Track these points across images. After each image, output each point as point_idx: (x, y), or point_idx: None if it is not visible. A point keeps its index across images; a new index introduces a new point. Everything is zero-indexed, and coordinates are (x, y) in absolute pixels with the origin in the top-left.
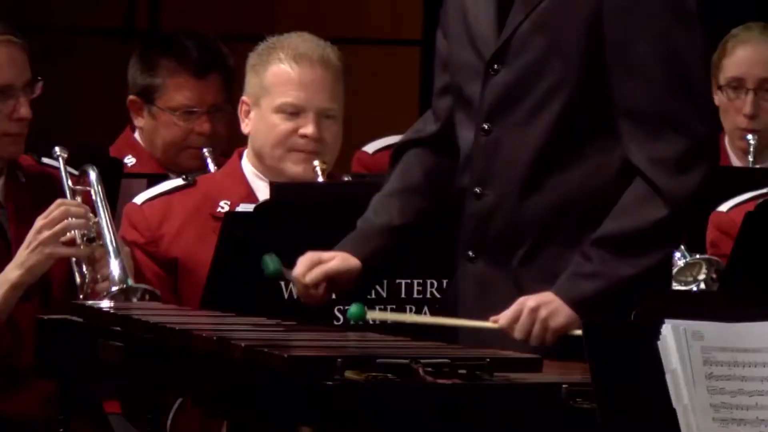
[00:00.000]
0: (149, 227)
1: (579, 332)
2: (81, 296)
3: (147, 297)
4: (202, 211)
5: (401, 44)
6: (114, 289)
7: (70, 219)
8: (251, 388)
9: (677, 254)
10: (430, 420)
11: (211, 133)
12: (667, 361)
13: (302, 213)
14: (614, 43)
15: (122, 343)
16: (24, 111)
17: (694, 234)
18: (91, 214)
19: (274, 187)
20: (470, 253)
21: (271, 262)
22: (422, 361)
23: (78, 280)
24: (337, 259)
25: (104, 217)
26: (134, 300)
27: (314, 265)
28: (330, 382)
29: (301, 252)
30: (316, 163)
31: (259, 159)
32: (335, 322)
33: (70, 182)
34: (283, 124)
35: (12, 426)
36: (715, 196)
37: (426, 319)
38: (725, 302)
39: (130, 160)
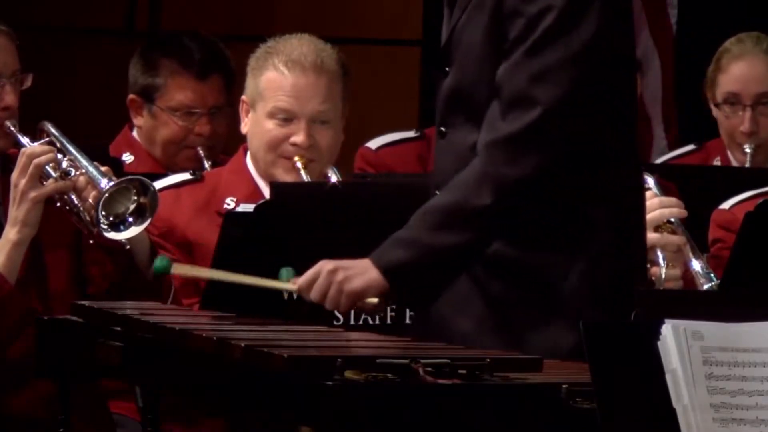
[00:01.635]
0: (160, 217)
1: (375, 300)
2: (90, 241)
3: (139, 188)
4: (209, 208)
5: (401, 44)
6: (103, 187)
7: (39, 158)
8: (251, 388)
9: (703, 281)
10: (430, 420)
11: (210, 134)
12: (667, 361)
13: (302, 213)
14: (507, 43)
15: (122, 343)
16: (9, 99)
17: (696, 233)
18: (60, 154)
19: (273, 187)
20: None
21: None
22: (422, 361)
23: (79, 225)
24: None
25: (73, 150)
26: (132, 199)
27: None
28: (330, 382)
29: (302, 252)
30: (296, 158)
31: (255, 161)
32: (335, 322)
33: (30, 143)
34: (275, 130)
35: (12, 426)
36: (716, 195)
37: (220, 275)
38: (725, 302)
39: (128, 158)
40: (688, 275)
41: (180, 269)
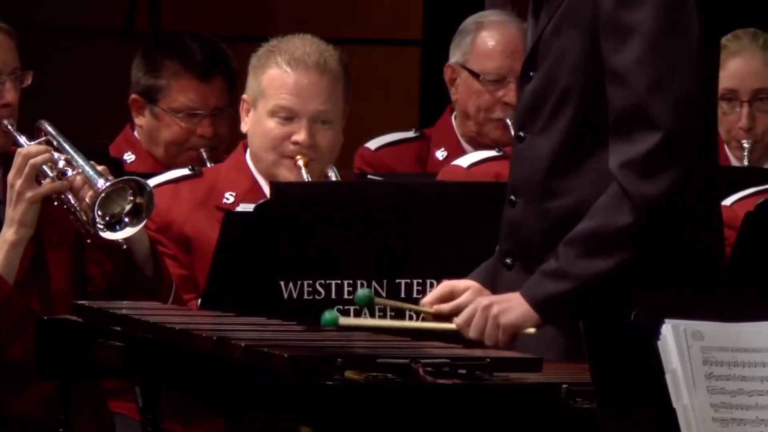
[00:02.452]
0: (158, 212)
1: (532, 330)
2: (88, 241)
3: (136, 188)
4: (208, 202)
5: (401, 44)
6: (100, 187)
7: (35, 159)
8: (251, 388)
9: None
10: (430, 420)
11: (213, 136)
12: (667, 361)
13: (302, 213)
14: (605, 47)
15: (122, 343)
16: (9, 96)
17: None
18: (56, 154)
19: (274, 187)
20: (508, 261)
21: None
22: (422, 361)
23: (77, 225)
24: (471, 293)
25: (70, 150)
26: (128, 199)
27: (447, 297)
28: (330, 382)
29: (301, 252)
30: (298, 157)
31: (256, 159)
32: None
33: (28, 142)
34: (276, 129)
35: (12, 426)
36: (716, 195)
37: (388, 323)
38: (725, 302)
39: (129, 157)
40: None
41: (347, 321)
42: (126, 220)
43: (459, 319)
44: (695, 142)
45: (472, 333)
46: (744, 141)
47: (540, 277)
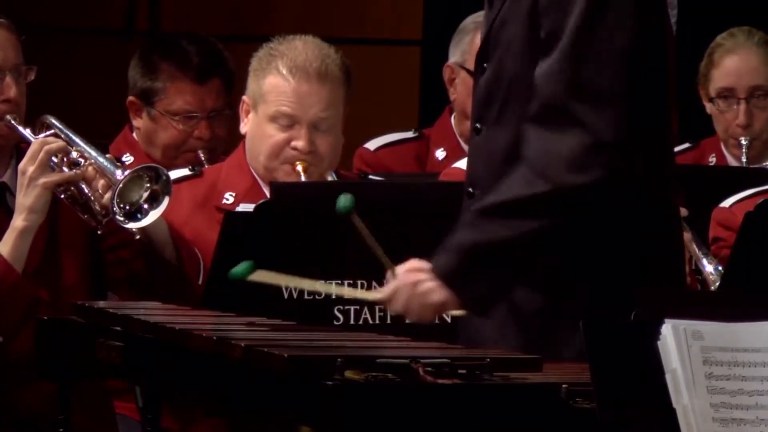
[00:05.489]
0: None
1: (459, 312)
2: (99, 232)
3: (153, 176)
4: (208, 202)
5: (401, 44)
6: (118, 177)
7: (49, 146)
8: (251, 388)
9: (709, 267)
10: (430, 420)
11: (210, 137)
12: (667, 361)
13: (302, 213)
14: (543, 37)
15: (122, 343)
16: (10, 92)
17: (699, 232)
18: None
19: (274, 187)
20: None
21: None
22: (422, 361)
23: (85, 218)
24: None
25: (80, 142)
26: (145, 186)
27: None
28: (330, 382)
29: (301, 252)
30: (297, 162)
31: (255, 162)
32: (335, 322)
33: (34, 138)
34: (276, 135)
35: (12, 425)
36: (714, 195)
37: (307, 284)
38: (725, 302)
39: (127, 158)
40: (692, 274)
41: (263, 276)
42: (145, 207)
43: (384, 292)
44: (623, 143)
45: (395, 307)
46: (742, 138)
47: (441, 251)
